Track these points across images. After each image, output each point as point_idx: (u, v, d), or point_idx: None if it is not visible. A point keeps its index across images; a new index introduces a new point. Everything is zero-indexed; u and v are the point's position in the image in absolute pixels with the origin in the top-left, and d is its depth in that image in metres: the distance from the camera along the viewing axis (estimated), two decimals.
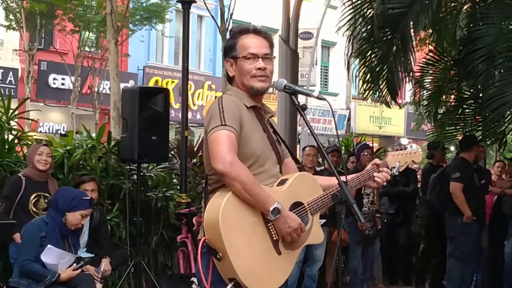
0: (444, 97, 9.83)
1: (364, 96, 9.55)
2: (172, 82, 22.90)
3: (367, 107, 28.50)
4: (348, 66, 9.16)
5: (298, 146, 13.77)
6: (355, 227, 8.43)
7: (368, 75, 9.07)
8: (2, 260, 6.49)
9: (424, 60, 9.89)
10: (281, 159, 3.52)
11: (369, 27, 8.58)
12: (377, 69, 8.97)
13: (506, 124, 8.58)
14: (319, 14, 22.95)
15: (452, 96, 10.04)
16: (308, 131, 5.15)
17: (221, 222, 3.15)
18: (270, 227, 3.29)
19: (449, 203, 8.18)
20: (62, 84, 20.83)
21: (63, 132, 18.60)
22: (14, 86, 19.39)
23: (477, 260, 8.47)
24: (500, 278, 8.68)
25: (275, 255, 3.29)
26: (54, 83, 20.73)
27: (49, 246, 5.85)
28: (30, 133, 8.61)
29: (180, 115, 8.98)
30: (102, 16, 16.86)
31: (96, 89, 19.91)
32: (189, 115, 13.90)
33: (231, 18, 12.27)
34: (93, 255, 6.60)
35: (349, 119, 29.73)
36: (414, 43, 8.65)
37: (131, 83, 20.50)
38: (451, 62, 9.42)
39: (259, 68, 3.40)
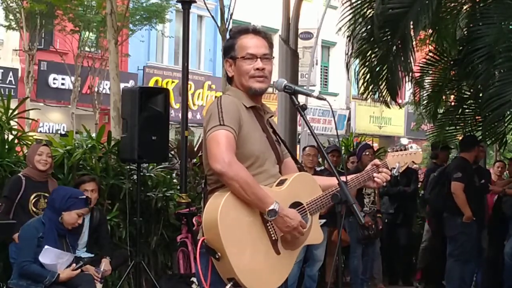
0: (444, 97, 9.83)
1: (364, 96, 9.55)
2: (172, 82, 22.90)
3: (367, 107, 28.49)
4: (348, 66, 9.16)
5: (298, 146, 13.77)
6: (355, 226, 8.42)
7: (368, 75, 9.07)
8: (2, 260, 6.50)
9: (424, 60, 9.88)
10: (280, 159, 3.52)
11: (369, 27, 8.57)
12: (377, 69, 8.96)
13: (506, 124, 8.58)
14: (319, 14, 22.96)
15: (452, 96, 10.05)
16: (308, 131, 5.15)
17: (219, 222, 3.16)
18: (269, 227, 3.29)
19: (449, 203, 8.18)
20: (62, 84, 20.83)
21: (63, 132, 18.60)
22: (14, 86, 19.39)
23: (477, 260, 8.47)
24: (500, 278, 8.68)
25: (274, 255, 3.30)
26: (54, 83, 20.73)
27: (46, 246, 5.84)
28: (30, 133, 8.60)
29: (180, 115, 8.97)
30: (102, 16, 16.86)
31: (96, 89, 19.91)
32: (189, 115, 13.89)
33: (231, 18, 12.27)
34: (93, 255, 6.60)
35: (349, 119, 29.73)
36: (414, 43, 8.65)
37: (131, 83, 20.50)
38: (451, 62, 9.41)
39: (257, 69, 3.40)
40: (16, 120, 7.70)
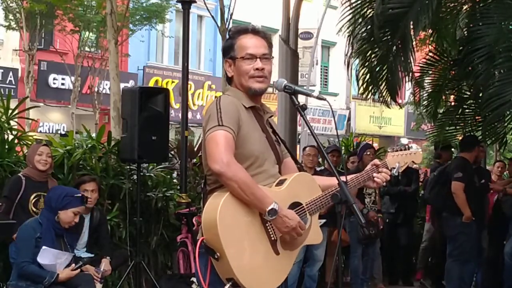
0: (444, 97, 9.83)
1: (364, 96, 9.55)
2: (172, 82, 22.90)
3: (367, 107, 28.46)
4: (348, 66, 9.16)
5: (298, 146, 13.77)
6: (356, 226, 8.42)
7: (368, 75, 9.07)
8: (2, 260, 6.49)
9: (424, 60, 9.89)
10: (280, 159, 3.52)
11: (369, 27, 8.57)
12: (377, 69, 8.96)
13: (506, 124, 8.58)
14: (319, 14, 22.96)
15: (452, 96, 10.05)
16: (308, 131, 5.15)
17: (218, 222, 3.16)
18: (268, 227, 3.29)
19: (449, 202, 8.17)
20: (62, 84, 20.83)
21: (63, 132, 18.59)
22: (14, 86, 19.39)
23: (477, 260, 8.47)
24: (500, 278, 8.68)
25: (273, 255, 3.30)
26: (54, 83, 20.73)
27: (44, 247, 5.84)
28: (30, 133, 8.60)
29: (180, 115, 8.97)
30: (102, 16, 16.85)
31: (96, 89, 19.91)
32: (189, 115, 13.88)
33: (231, 18, 12.27)
34: (93, 255, 6.60)
35: (349, 119, 29.73)
36: (414, 43, 8.65)
37: (131, 83, 20.50)
38: (451, 62, 9.42)
39: (257, 69, 3.40)
40: (16, 120, 7.70)
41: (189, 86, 10.79)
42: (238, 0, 12.71)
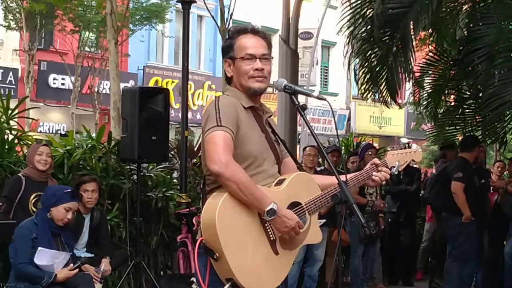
0: (444, 97, 9.84)
1: (364, 96, 9.55)
2: (172, 82, 22.89)
3: (367, 107, 28.50)
4: (349, 66, 9.16)
5: (298, 146, 13.77)
6: (357, 226, 8.41)
7: (368, 75, 9.07)
8: (2, 260, 6.49)
9: (424, 60, 9.89)
10: (280, 159, 3.52)
11: (369, 27, 8.58)
12: (377, 69, 8.97)
13: (506, 124, 8.58)
14: (319, 14, 22.96)
15: (452, 96, 10.05)
16: (308, 131, 5.15)
17: (217, 223, 3.16)
18: (267, 227, 3.29)
19: (449, 202, 8.17)
20: (62, 84, 20.83)
21: (63, 132, 18.58)
22: (14, 86, 19.39)
23: (476, 260, 8.46)
24: (500, 278, 8.68)
25: (272, 255, 3.29)
26: (54, 83, 20.73)
27: (40, 248, 5.83)
28: (30, 133, 8.60)
29: (180, 115, 8.98)
30: (102, 16, 16.85)
31: (96, 89, 19.90)
32: (189, 115, 13.87)
33: (231, 18, 12.27)
34: (93, 255, 6.60)
35: (349, 119, 29.73)
36: (414, 43, 8.65)
37: (131, 83, 20.49)
38: (451, 62, 9.42)
39: (256, 69, 3.39)
40: (16, 120, 7.70)
41: (189, 86, 10.79)
42: (238, 0, 12.72)
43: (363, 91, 9.38)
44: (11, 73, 19.68)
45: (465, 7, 9.25)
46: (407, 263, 10.27)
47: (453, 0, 9.16)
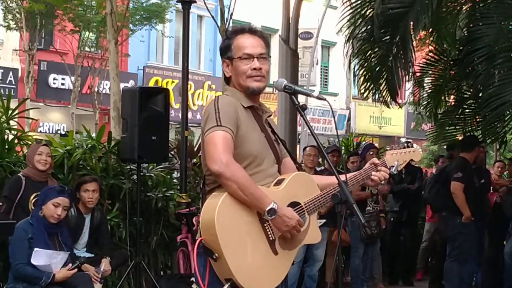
0: (444, 97, 9.84)
1: (364, 96, 9.55)
2: (172, 82, 22.89)
3: (367, 107, 28.50)
4: (349, 66, 9.16)
5: (298, 146, 13.77)
6: (358, 226, 8.42)
7: (368, 75, 9.08)
8: (2, 260, 6.49)
9: (424, 60, 9.89)
10: (279, 158, 3.52)
11: (369, 27, 8.58)
12: (377, 69, 8.97)
13: (506, 124, 8.58)
14: (319, 14, 22.96)
15: (452, 96, 10.06)
16: (308, 131, 5.15)
17: (216, 223, 3.16)
18: (266, 227, 3.29)
19: (449, 202, 8.17)
20: (62, 84, 20.83)
21: (63, 132, 18.59)
22: (14, 86, 19.39)
23: (476, 260, 8.47)
24: (500, 278, 8.68)
25: (271, 255, 3.29)
26: (54, 83, 20.73)
27: (36, 249, 5.83)
28: (30, 133, 8.60)
29: (180, 115, 8.97)
30: (102, 16, 16.85)
31: (96, 89, 19.91)
32: (189, 115, 13.86)
33: (231, 18, 12.26)
34: (92, 255, 6.60)
35: (349, 119, 29.73)
36: (414, 43, 8.66)
37: (131, 83, 20.50)
38: (451, 62, 9.42)
39: (254, 68, 3.40)
40: (16, 120, 7.70)
41: (189, 86, 10.79)
42: (238, 0, 12.71)
43: (363, 91, 9.38)
44: (11, 73, 19.69)
45: (465, 7, 9.25)
46: (407, 263, 10.27)
47: (453, 0, 9.16)
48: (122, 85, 10.55)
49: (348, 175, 3.56)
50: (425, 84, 9.94)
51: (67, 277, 5.95)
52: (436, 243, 10.23)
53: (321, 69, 29.17)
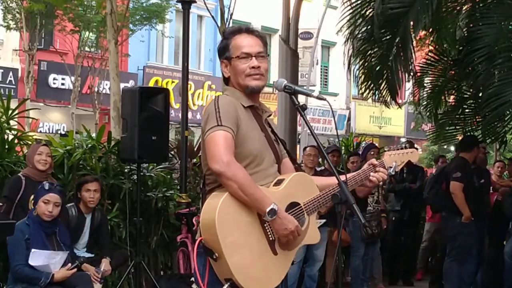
0: (444, 97, 9.84)
1: (364, 96, 9.55)
2: (172, 82, 22.90)
3: (367, 107, 28.51)
4: (349, 66, 9.16)
5: (298, 146, 13.77)
6: (359, 225, 8.41)
7: (368, 75, 9.07)
8: (2, 260, 6.49)
9: (424, 60, 9.89)
10: (279, 158, 3.52)
11: (369, 27, 8.58)
12: (377, 69, 8.97)
13: (505, 124, 8.58)
14: (319, 14, 22.96)
15: (452, 96, 10.06)
16: (308, 131, 5.15)
17: (217, 222, 3.16)
18: (266, 227, 3.28)
19: (448, 202, 8.17)
20: (62, 84, 20.83)
21: (63, 132, 18.60)
22: (14, 86, 19.40)
23: (476, 260, 8.46)
24: (500, 278, 8.68)
25: (271, 255, 3.29)
26: (54, 83, 20.73)
27: (33, 250, 5.83)
28: (30, 133, 8.60)
29: (180, 115, 8.98)
30: (102, 16, 16.85)
31: (96, 89, 19.91)
32: (189, 115, 13.88)
33: (231, 18, 12.27)
34: (92, 255, 6.60)
35: (349, 119, 29.73)
36: (414, 43, 8.66)
37: (131, 83, 20.50)
38: (451, 62, 9.42)
39: (253, 67, 3.40)
40: (16, 120, 7.70)
41: (189, 86, 10.79)
42: (238, 0, 12.71)
43: (363, 91, 9.38)
44: (11, 73, 19.69)
45: (465, 7, 9.25)
46: (407, 263, 10.27)
47: (453, 0, 9.16)
48: (122, 85, 10.55)
49: (347, 175, 3.56)
50: (425, 84, 9.94)
51: (66, 277, 5.95)
52: (436, 243, 10.23)
53: (321, 69, 29.18)
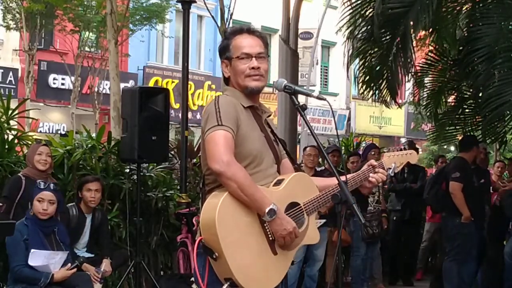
0: (444, 97, 9.84)
1: (364, 96, 9.55)
2: (172, 82, 22.90)
3: (367, 107, 28.50)
4: (348, 66, 9.16)
5: (298, 146, 13.77)
6: (360, 225, 8.40)
7: (368, 75, 9.08)
8: (2, 260, 6.49)
9: (424, 60, 9.90)
10: (279, 158, 3.52)
11: (369, 27, 8.58)
12: (377, 69, 8.97)
13: (505, 124, 8.58)
14: (319, 14, 22.97)
15: (452, 96, 10.06)
16: (308, 131, 5.15)
17: (217, 222, 3.16)
18: (266, 227, 3.29)
19: (448, 203, 8.17)
20: (62, 84, 20.84)
21: (63, 132, 18.60)
22: (14, 86, 19.40)
23: (477, 260, 8.46)
24: (500, 278, 8.67)
25: (271, 255, 3.30)
26: (54, 83, 20.74)
27: (32, 250, 5.83)
28: (30, 133, 8.60)
29: (180, 115, 8.98)
30: (102, 16, 16.86)
31: (96, 89, 19.91)
32: (189, 115, 13.90)
33: (231, 18, 12.26)
34: (92, 255, 6.60)
35: (349, 119, 29.74)
36: (414, 43, 8.66)
37: (131, 83, 20.50)
38: (451, 62, 9.43)
39: (252, 68, 3.40)
40: (16, 120, 7.70)
41: (189, 86, 10.79)
42: (238, 0, 12.71)
43: (362, 91, 9.39)
44: (11, 73, 19.70)
45: (465, 7, 9.26)
46: (407, 263, 10.27)
47: (453, 0, 9.16)
48: (122, 85, 10.56)
49: (347, 176, 3.56)
50: (425, 84, 9.94)
51: (66, 277, 5.95)
52: (436, 243, 10.23)
53: (321, 69, 29.18)
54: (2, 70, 19.48)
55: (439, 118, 9.84)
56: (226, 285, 3.18)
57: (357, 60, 9.20)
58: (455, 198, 8.03)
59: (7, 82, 19.47)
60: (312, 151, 8.25)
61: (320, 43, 25.64)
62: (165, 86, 20.99)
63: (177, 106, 19.42)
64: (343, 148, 10.80)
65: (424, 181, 10.05)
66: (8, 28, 18.39)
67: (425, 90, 9.98)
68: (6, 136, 7.30)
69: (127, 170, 7.71)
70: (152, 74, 23.15)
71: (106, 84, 18.31)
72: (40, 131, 19.09)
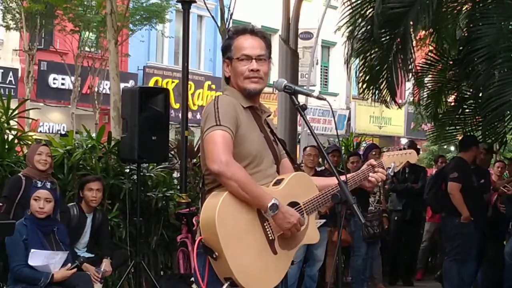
0: (444, 97, 9.84)
1: (364, 96, 9.56)
2: (172, 82, 22.90)
3: (367, 107, 28.47)
4: (348, 66, 9.16)
5: (298, 146, 13.77)
6: (361, 225, 8.40)
7: (368, 75, 9.08)
8: (2, 260, 6.49)
9: (424, 60, 9.90)
10: (278, 159, 3.52)
11: (369, 27, 8.58)
12: (377, 69, 8.97)
13: (506, 124, 8.58)
14: (319, 14, 22.97)
15: (452, 96, 10.06)
16: (308, 131, 5.15)
17: (217, 222, 3.16)
18: (266, 227, 3.29)
19: (447, 203, 8.16)
20: (62, 84, 20.84)
21: (63, 132, 18.59)
22: (14, 86, 19.40)
23: (477, 260, 8.46)
24: (500, 278, 8.68)
25: (271, 254, 3.30)
26: (54, 83, 20.74)
27: (32, 250, 5.83)
28: (30, 133, 8.60)
29: (180, 115, 8.98)
30: (102, 16, 16.86)
31: (96, 89, 19.92)
32: (189, 115, 13.88)
33: (231, 18, 12.27)
34: (93, 255, 6.61)
35: (349, 119, 29.74)
36: (414, 43, 8.66)
37: (131, 83, 20.50)
38: (451, 62, 9.43)
39: (252, 70, 3.40)
40: (16, 120, 7.70)
41: (189, 86, 10.79)
42: (238, 0, 12.72)
43: (362, 91, 9.39)
44: (11, 73, 19.69)
45: (465, 7, 9.26)
46: (407, 263, 10.27)
47: (453, 0, 9.17)
48: (122, 85, 10.56)
49: (347, 175, 3.56)
50: (425, 84, 9.94)
51: (66, 277, 5.95)
52: (436, 243, 10.23)
53: (321, 69, 29.18)
54: (2, 70, 19.48)
55: (439, 118, 9.84)
56: (226, 284, 3.18)
57: (357, 60, 9.20)
58: (453, 198, 8.03)
59: (7, 82, 19.48)
60: (312, 151, 8.24)
61: (320, 43, 25.64)
62: (165, 86, 20.99)
63: (177, 106, 19.41)
64: (343, 148, 10.79)
65: (425, 181, 10.06)
66: (8, 28, 18.39)
67: (425, 90, 9.98)
68: (6, 136, 7.30)
69: (127, 170, 7.71)
70: (152, 74, 23.15)
71: (106, 84, 18.31)
72: (40, 131, 19.10)
